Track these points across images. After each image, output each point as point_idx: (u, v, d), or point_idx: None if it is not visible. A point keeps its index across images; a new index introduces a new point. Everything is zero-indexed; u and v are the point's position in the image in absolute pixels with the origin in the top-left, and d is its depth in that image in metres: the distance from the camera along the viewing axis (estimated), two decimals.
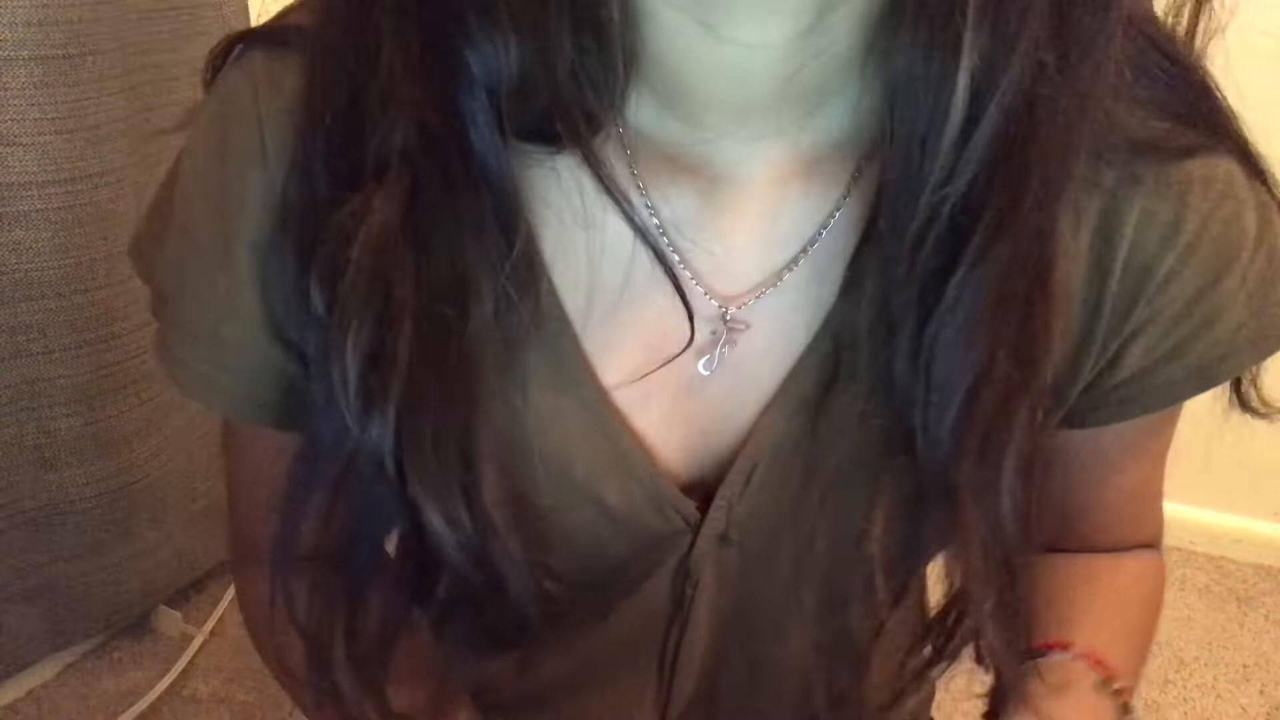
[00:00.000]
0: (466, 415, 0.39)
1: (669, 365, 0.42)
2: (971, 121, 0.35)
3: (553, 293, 0.41)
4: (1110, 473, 0.48)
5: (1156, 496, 0.52)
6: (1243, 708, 1.31)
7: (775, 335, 0.42)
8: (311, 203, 0.38)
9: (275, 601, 0.42)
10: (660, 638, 0.49)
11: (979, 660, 0.44)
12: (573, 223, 0.40)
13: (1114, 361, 0.42)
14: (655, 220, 0.41)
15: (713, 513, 0.44)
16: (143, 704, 1.22)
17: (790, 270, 0.42)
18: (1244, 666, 1.37)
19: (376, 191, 0.37)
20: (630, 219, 0.38)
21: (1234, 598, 1.49)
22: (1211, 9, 0.39)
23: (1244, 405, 0.45)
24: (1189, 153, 0.39)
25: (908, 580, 0.44)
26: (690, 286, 0.41)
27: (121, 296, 1.12)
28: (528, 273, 0.40)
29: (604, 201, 0.39)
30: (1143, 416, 0.44)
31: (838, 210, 0.41)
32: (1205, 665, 1.37)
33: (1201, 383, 0.43)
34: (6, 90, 0.99)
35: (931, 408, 0.39)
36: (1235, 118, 0.41)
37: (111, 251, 1.10)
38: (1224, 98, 0.41)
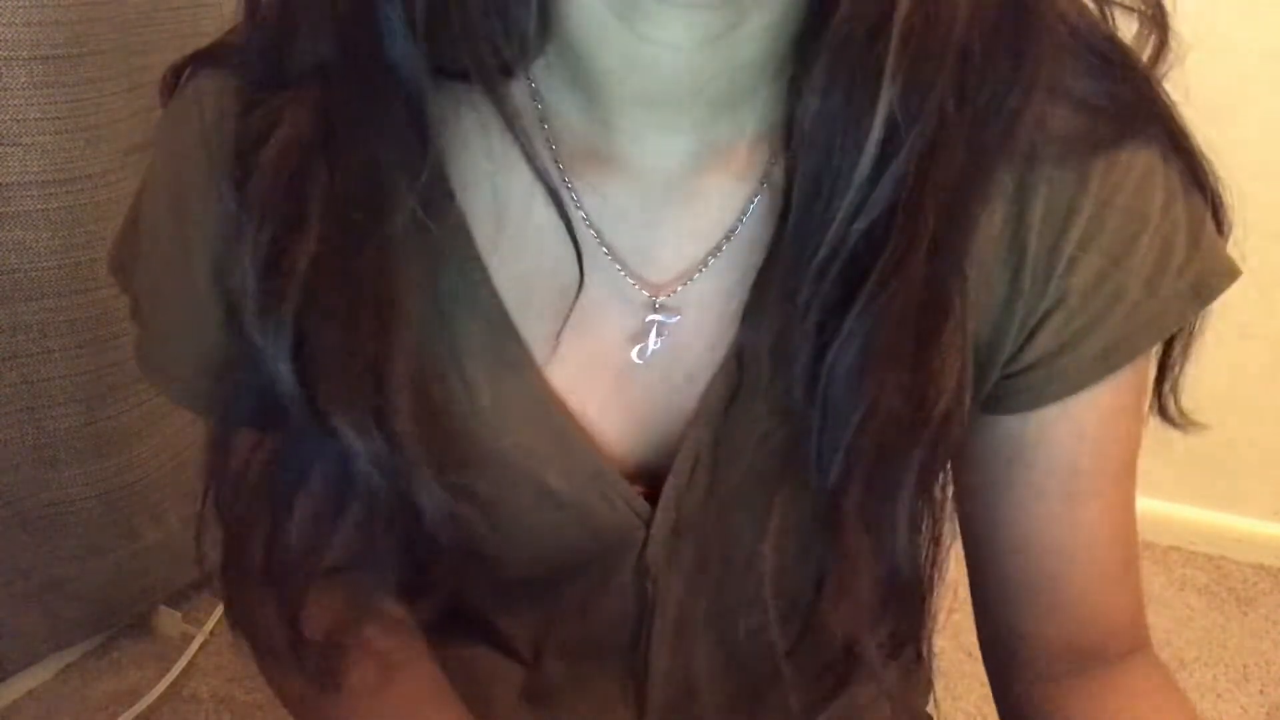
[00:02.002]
0: (376, 330, 0.39)
1: (604, 353, 0.43)
2: (881, 162, 0.36)
3: (470, 244, 0.42)
4: (1070, 504, 0.46)
5: (1132, 561, 0.49)
6: (1243, 708, 1.31)
7: (704, 324, 0.43)
8: (241, 133, 0.39)
9: (203, 514, 0.44)
10: (629, 639, 0.49)
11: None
12: (486, 175, 0.41)
13: (1026, 343, 0.43)
14: (581, 212, 0.42)
15: (662, 505, 0.45)
16: (143, 704, 1.22)
17: (715, 257, 0.42)
18: (1244, 666, 1.37)
19: (292, 96, 0.38)
20: (537, 171, 0.38)
21: (1234, 598, 1.49)
22: (1170, 49, 0.40)
23: (1162, 413, 0.46)
24: (1098, 145, 0.40)
25: (804, 606, 0.44)
26: (614, 272, 0.42)
27: (121, 296, 1.12)
28: (440, 192, 0.40)
29: (514, 149, 0.39)
30: (1056, 405, 0.44)
31: (755, 198, 0.42)
32: (1205, 665, 1.37)
33: (1106, 365, 0.43)
34: (6, 90, 0.99)
35: (825, 436, 0.40)
36: (1169, 108, 0.41)
37: None
38: (1161, 90, 0.41)
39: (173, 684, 1.26)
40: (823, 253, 0.38)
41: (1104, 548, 0.47)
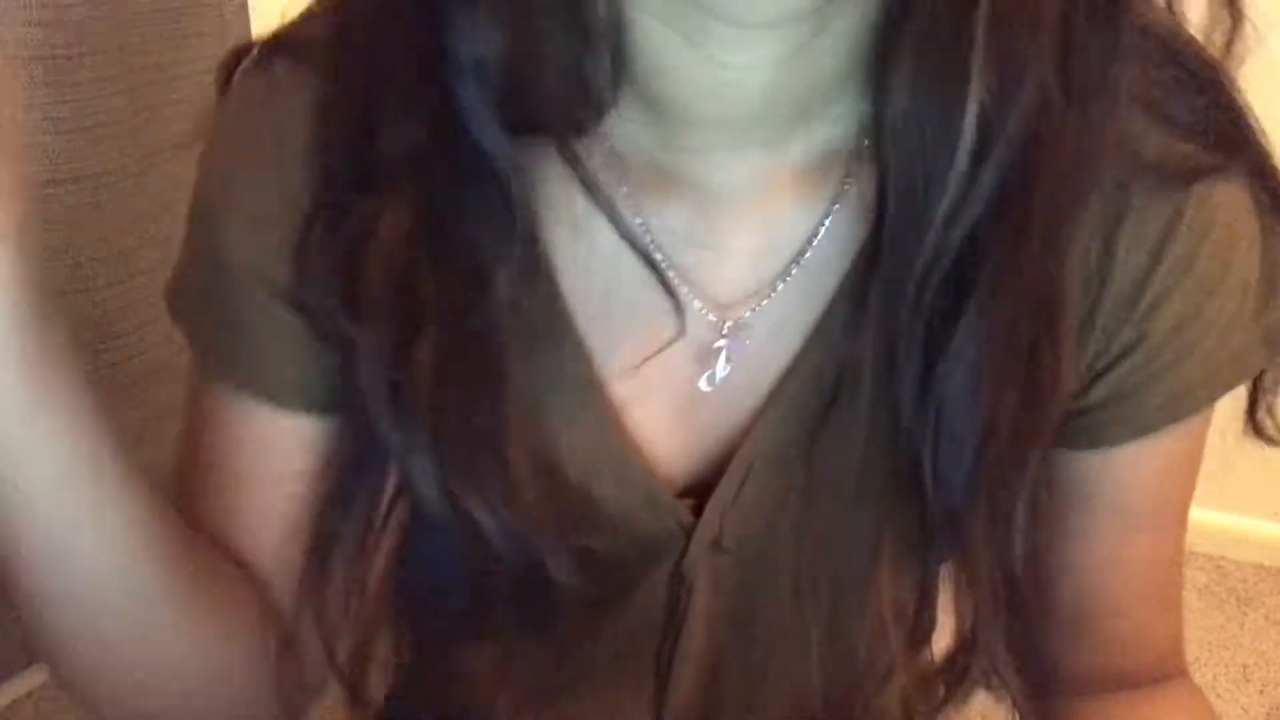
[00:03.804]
0: (497, 409, 0.39)
1: (670, 377, 0.42)
2: (977, 157, 0.34)
3: (554, 289, 0.41)
4: (1121, 542, 0.45)
5: (1176, 593, 0.49)
6: (1243, 708, 1.31)
7: (772, 343, 0.42)
8: (332, 209, 0.39)
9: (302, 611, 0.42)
10: (655, 643, 0.49)
11: (996, 694, 0.44)
12: (569, 224, 0.40)
13: (1095, 381, 0.41)
14: (647, 232, 0.41)
15: (706, 516, 0.44)
16: None
17: (785, 279, 0.41)
18: (1244, 666, 1.37)
19: (389, 193, 0.37)
20: (615, 224, 0.38)
21: (1234, 598, 1.49)
22: (1244, 32, 0.38)
23: (1258, 433, 0.44)
24: (1193, 175, 0.38)
25: (919, 622, 0.43)
26: (685, 299, 0.41)
27: (121, 296, 1.12)
28: (536, 263, 0.40)
29: (592, 207, 0.39)
30: (1115, 448, 0.42)
31: (827, 218, 0.41)
32: (1205, 665, 1.37)
33: (1173, 414, 0.41)
34: None
35: (942, 454, 0.38)
36: (1257, 134, 0.40)
37: (111, 251, 1.10)
38: (1249, 113, 0.39)
39: None
40: (924, 260, 0.36)
41: (1151, 583, 0.47)
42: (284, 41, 0.42)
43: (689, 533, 0.44)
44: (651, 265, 0.39)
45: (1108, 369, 0.41)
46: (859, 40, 0.36)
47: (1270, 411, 0.43)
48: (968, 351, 0.36)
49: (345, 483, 0.42)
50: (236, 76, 0.43)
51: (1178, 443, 0.43)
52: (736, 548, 0.45)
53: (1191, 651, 1.52)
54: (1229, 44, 0.38)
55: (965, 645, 0.43)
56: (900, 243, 0.37)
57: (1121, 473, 0.43)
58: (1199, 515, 1.80)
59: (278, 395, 0.43)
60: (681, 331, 0.40)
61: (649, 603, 0.47)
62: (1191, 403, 0.41)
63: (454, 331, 0.38)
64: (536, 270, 0.40)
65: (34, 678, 1.25)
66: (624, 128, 0.39)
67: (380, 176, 0.37)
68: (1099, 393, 0.41)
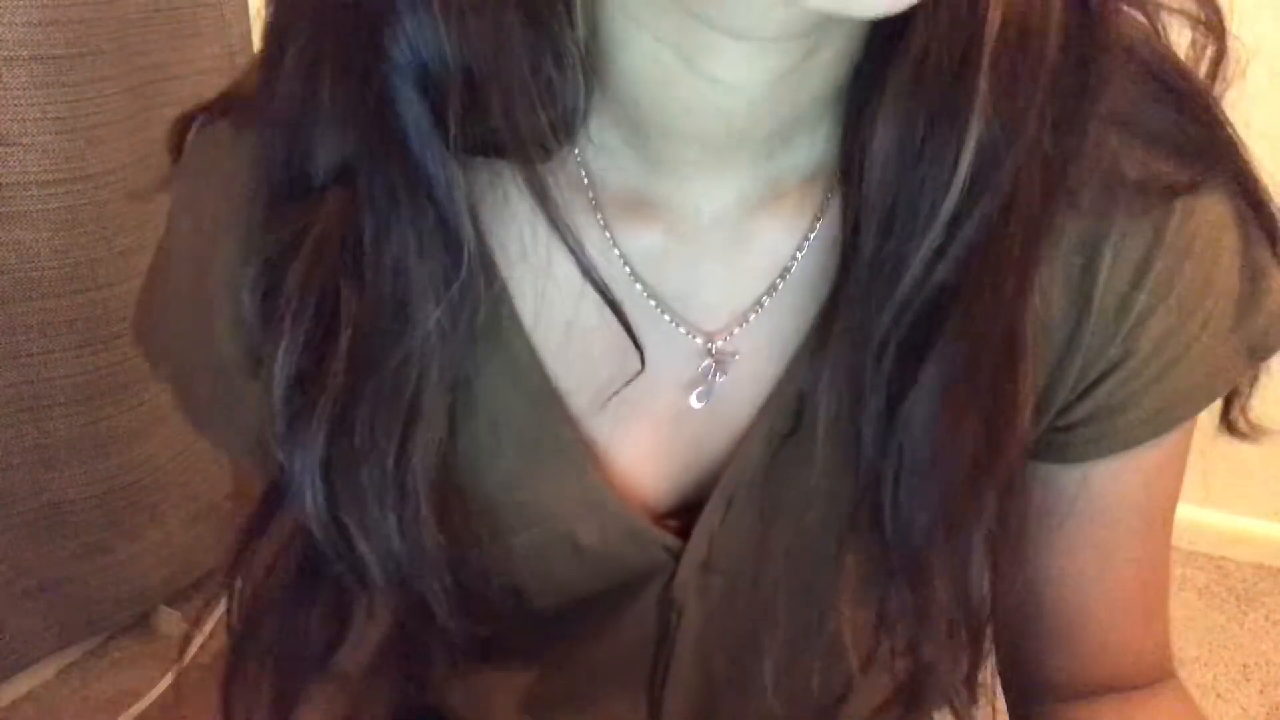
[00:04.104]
0: (400, 436, 0.38)
1: (653, 402, 0.42)
2: (968, 199, 0.33)
3: (514, 317, 0.40)
4: (1106, 552, 0.45)
5: (1162, 599, 0.48)
6: (1243, 708, 1.31)
7: (751, 368, 0.42)
8: (265, 225, 0.38)
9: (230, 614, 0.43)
10: (647, 662, 0.48)
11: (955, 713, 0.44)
12: (532, 251, 0.39)
13: (1081, 397, 0.41)
14: (619, 254, 0.39)
15: (694, 541, 0.43)
16: (143, 704, 1.22)
17: (769, 297, 0.40)
18: (1244, 666, 1.37)
19: (317, 204, 0.36)
20: (577, 258, 0.36)
21: (1234, 598, 1.49)
22: (1229, 57, 0.38)
23: (1230, 430, 0.44)
24: (1173, 192, 0.38)
25: (876, 646, 0.43)
26: (661, 321, 0.40)
27: (121, 296, 1.12)
28: (480, 294, 0.37)
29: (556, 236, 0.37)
30: (1100, 460, 0.42)
31: (810, 235, 0.40)
32: (1205, 665, 1.37)
33: (1158, 426, 0.41)
34: (6, 90, 0.99)
35: (902, 487, 0.38)
36: (1238, 147, 0.39)
37: (111, 251, 1.10)
38: (1229, 125, 0.39)
39: (173, 684, 1.26)
40: (900, 295, 0.35)
41: (1136, 591, 0.46)
42: (228, 101, 0.41)
43: (676, 556, 0.44)
44: (613, 307, 0.37)
45: (1092, 387, 0.41)
46: (845, 67, 0.36)
47: (1243, 410, 0.44)
48: (934, 389, 0.36)
49: (261, 510, 0.41)
50: (187, 144, 0.43)
51: (1160, 457, 0.43)
52: (726, 567, 0.45)
53: (1191, 651, 1.52)
54: (1216, 65, 0.38)
55: (921, 669, 0.43)
56: (872, 275, 0.36)
57: (1105, 486, 0.43)
58: (1199, 515, 1.79)
59: (250, 453, 0.43)
60: (642, 369, 0.39)
61: (638, 624, 0.47)
62: (1175, 416, 0.41)
63: (368, 354, 0.36)
64: (478, 305, 0.37)
65: (34, 678, 1.25)
66: (597, 147, 0.38)
67: (312, 189, 0.36)
68: (1082, 409, 0.41)
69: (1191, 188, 0.38)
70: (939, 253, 0.34)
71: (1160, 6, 0.38)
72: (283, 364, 0.37)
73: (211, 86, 0.45)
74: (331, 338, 0.36)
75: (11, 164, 1.01)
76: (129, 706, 1.22)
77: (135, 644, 1.32)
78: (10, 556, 1.15)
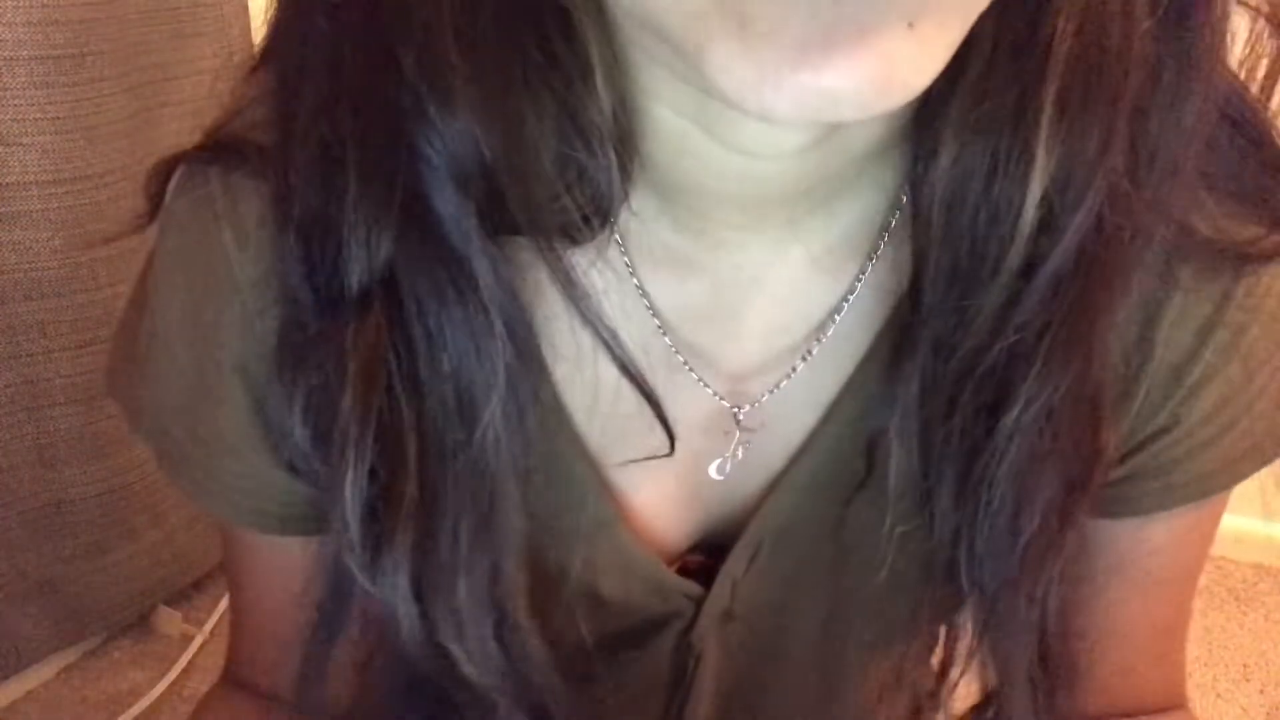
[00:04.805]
0: (490, 549, 0.36)
1: (677, 465, 0.40)
2: (1036, 248, 0.31)
3: (558, 402, 0.39)
4: (1132, 599, 0.44)
5: (1181, 639, 0.47)
6: (1243, 708, 1.31)
7: (788, 422, 0.41)
8: (298, 335, 0.35)
9: None
10: (662, 706, 0.48)
11: None
12: (563, 319, 0.37)
13: (1126, 458, 0.39)
14: (655, 315, 0.38)
15: (716, 590, 0.43)
16: (143, 704, 1.22)
17: (805, 359, 0.39)
18: (1244, 666, 1.37)
19: (359, 319, 0.33)
20: (612, 352, 0.35)
21: (1233, 597, 1.49)
22: None
23: None
24: (1247, 257, 0.36)
25: (921, 687, 0.43)
26: (692, 382, 0.39)
27: (121, 297, 1.12)
28: (533, 380, 0.36)
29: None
30: (1139, 519, 0.42)
31: (849, 295, 0.38)
32: (1205, 665, 1.37)
33: (1201, 491, 0.40)
34: (6, 90, 0.99)
35: (979, 542, 0.36)
36: None
37: (111, 252, 1.10)
38: None
39: (173, 684, 1.26)
40: (967, 350, 0.34)
41: (1159, 634, 0.46)
42: (213, 153, 0.37)
43: (697, 603, 0.43)
44: (640, 388, 0.36)
45: (1141, 446, 0.39)
46: (893, 121, 0.33)
47: None
48: (1014, 442, 0.34)
49: (329, 610, 0.39)
50: (170, 195, 0.39)
51: (1198, 513, 0.42)
52: (747, 614, 0.44)
53: (1191, 651, 1.51)
54: (1272, 76, 0.35)
55: (991, 710, 0.42)
56: (940, 331, 0.35)
57: (1147, 541, 0.43)
58: None
59: (241, 519, 0.42)
60: (671, 452, 0.38)
61: (655, 668, 0.46)
62: (1224, 479, 0.40)
63: (441, 466, 0.35)
64: (535, 392, 0.36)
65: (34, 678, 1.25)
66: (633, 211, 0.36)
67: (347, 299, 0.33)
68: (1127, 468, 0.40)
69: (1265, 258, 0.36)
70: (1009, 305, 0.33)
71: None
72: (353, 496, 0.35)
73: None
74: (397, 459, 0.34)
75: (11, 164, 1.01)
76: (129, 706, 1.22)
77: (135, 644, 1.32)
78: (10, 556, 1.15)
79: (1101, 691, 0.47)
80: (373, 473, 0.35)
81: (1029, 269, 0.32)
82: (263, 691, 0.47)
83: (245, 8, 1.22)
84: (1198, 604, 1.46)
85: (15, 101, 0.99)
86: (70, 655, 1.28)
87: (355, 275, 0.33)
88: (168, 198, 0.39)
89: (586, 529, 0.40)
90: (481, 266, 0.32)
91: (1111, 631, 0.45)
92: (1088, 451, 0.36)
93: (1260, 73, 0.35)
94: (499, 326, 0.33)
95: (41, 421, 1.12)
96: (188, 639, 1.31)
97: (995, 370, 0.34)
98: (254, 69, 0.37)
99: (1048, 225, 0.31)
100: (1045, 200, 0.31)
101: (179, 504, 1.29)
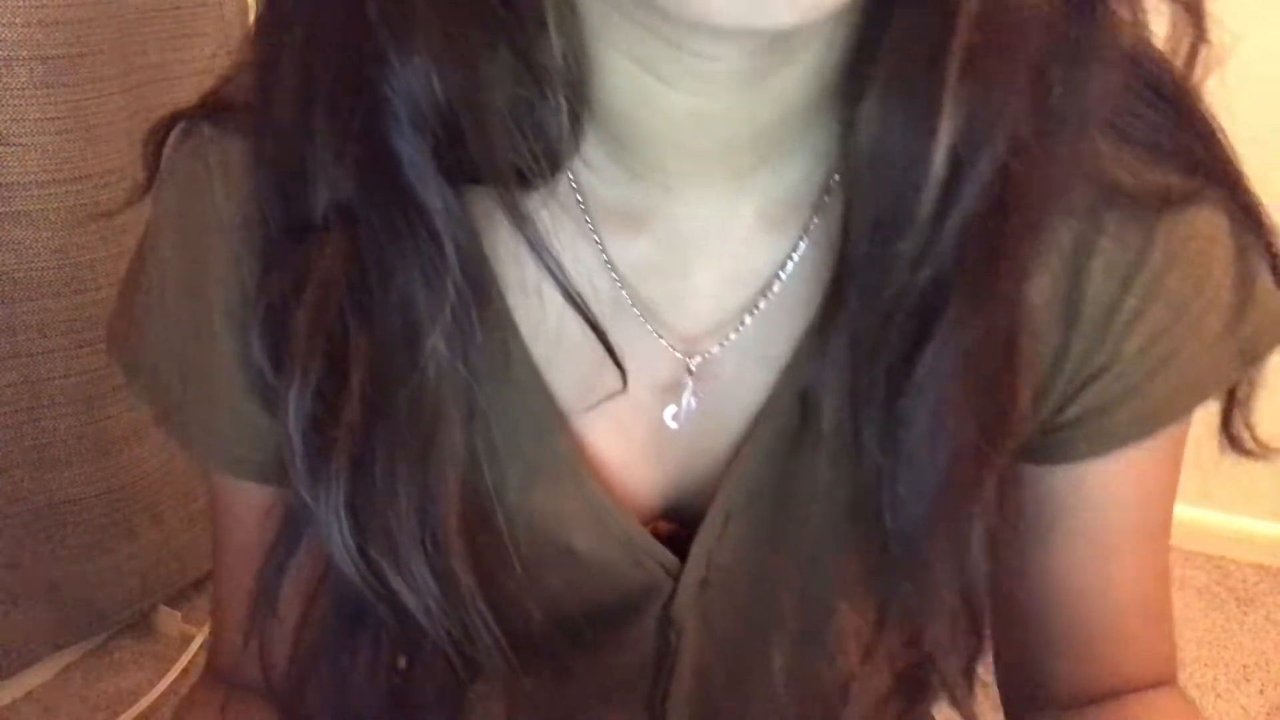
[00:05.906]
0: (424, 473, 0.38)
1: (636, 413, 0.42)
2: (946, 197, 0.34)
3: (516, 338, 0.40)
4: (1103, 556, 0.45)
5: (1164, 605, 0.48)
6: (1243, 708, 1.31)
7: (741, 378, 0.42)
8: (265, 266, 0.38)
9: (259, 657, 0.42)
10: (648, 683, 0.48)
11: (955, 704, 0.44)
12: (521, 265, 0.39)
13: (1071, 399, 0.41)
14: (612, 269, 0.40)
15: (692, 560, 0.44)
16: (143, 704, 1.22)
17: (753, 313, 0.41)
18: (1244, 666, 1.37)
19: (319, 245, 0.36)
20: (555, 278, 0.36)
21: (1234, 598, 1.49)
22: (1210, 44, 0.37)
23: (1234, 447, 0.44)
24: (1166, 202, 0.38)
25: (876, 642, 0.43)
26: (647, 334, 0.41)
27: None
28: (485, 320, 0.38)
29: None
30: (1091, 461, 0.43)
31: (794, 251, 0.40)
32: (1205, 665, 1.37)
33: (1148, 427, 0.42)
34: (6, 90, 0.99)
35: (900, 483, 0.38)
36: (1228, 152, 0.40)
37: (111, 252, 1.10)
38: (1223, 135, 0.39)
39: (173, 684, 1.26)
40: (889, 299, 0.36)
41: (1136, 597, 0.46)
42: (208, 109, 0.41)
43: (674, 576, 0.44)
44: (593, 327, 0.38)
45: (1082, 387, 0.41)
46: (828, 72, 0.36)
47: (1245, 423, 0.44)
48: (932, 382, 0.36)
49: (279, 546, 0.41)
50: (166, 151, 0.42)
51: (1152, 459, 0.43)
52: (724, 580, 0.45)
53: (1191, 651, 1.52)
54: (1192, 56, 0.37)
55: (922, 661, 0.43)
56: (865, 280, 0.37)
57: (1097, 487, 0.44)
58: (1199, 515, 1.79)
59: (225, 466, 0.44)
60: (624, 389, 0.40)
61: (638, 644, 0.47)
62: (1162, 418, 0.42)
63: (384, 389, 0.37)
64: (486, 332, 0.38)
65: (34, 678, 1.25)
66: (586, 162, 0.38)
67: (312, 229, 0.36)
68: (1073, 410, 0.41)
69: (1186, 199, 0.38)
70: (923, 254, 0.35)
71: None
72: (296, 408, 0.37)
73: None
74: (343, 378, 0.36)
75: (11, 164, 1.01)
76: (129, 706, 1.22)
77: (135, 644, 1.32)
78: (10, 556, 1.16)
79: (1080, 661, 0.47)
80: (322, 393, 0.37)
81: (942, 217, 0.34)
82: (243, 683, 0.47)
83: (245, 8, 1.22)
84: (1198, 604, 1.47)
85: (15, 101, 0.99)
86: (70, 655, 1.28)
87: (319, 206, 0.36)
88: (164, 155, 0.42)
89: (546, 463, 0.42)
90: (435, 206, 0.35)
91: (1080, 596, 0.46)
92: (1004, 397, 0.37)
93: (1182, 50, 0.37)
94: (452, 261, 0.36)
95: (41, 421, 1.12)
96: (188, 639, 1.31)
97: (914, 315, 0.36)
98: (251, 39, 0.39)
99: (958, 176, 0.33)
100: (954, 151, 0.32)
101: (179, 504, 1.29)
